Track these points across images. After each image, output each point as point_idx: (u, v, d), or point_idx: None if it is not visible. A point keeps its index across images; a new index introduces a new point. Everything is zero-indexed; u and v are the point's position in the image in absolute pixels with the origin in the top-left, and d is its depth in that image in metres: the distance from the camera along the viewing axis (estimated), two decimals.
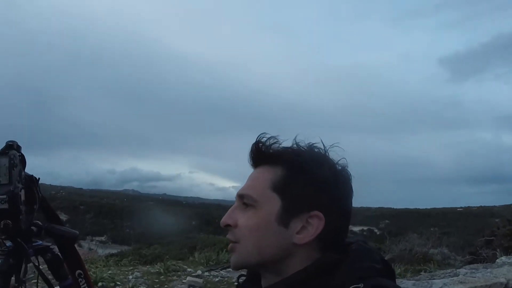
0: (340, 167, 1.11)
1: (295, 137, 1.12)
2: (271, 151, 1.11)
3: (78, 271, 1.80)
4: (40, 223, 1.71)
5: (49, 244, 1.80)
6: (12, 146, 1.53)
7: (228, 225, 1.10)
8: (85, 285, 1.81)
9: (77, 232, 1.80)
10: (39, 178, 1.69)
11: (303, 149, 1.11)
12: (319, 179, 1.06)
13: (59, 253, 1.79)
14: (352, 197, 1.12)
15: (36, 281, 1.84)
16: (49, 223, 1.75)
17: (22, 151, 1.59)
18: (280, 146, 1.11)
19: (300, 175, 1.06)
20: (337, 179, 1.08)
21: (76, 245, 1.89)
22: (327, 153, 1.11)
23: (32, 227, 1.67)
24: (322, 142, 1.12)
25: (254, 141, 1.14)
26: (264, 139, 1.12)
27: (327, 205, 1.06)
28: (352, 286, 0.93)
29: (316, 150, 1.11)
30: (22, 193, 1.57)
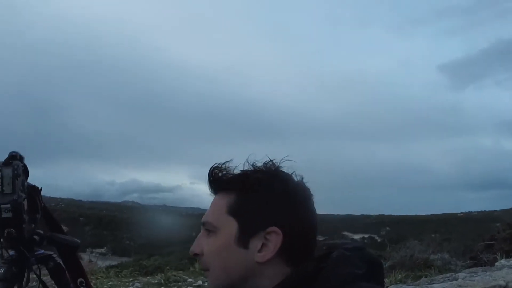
0: (293, 180, 1.14)
1: (247, 158, 1.16)
2: (224, 178, 1.15)
3: (80, 279, 1.83)
4: (42, 232, 1.74)
5: (51, 253, 1.82)
6: (15, 157, 1.57)
7: (196, 254, 1.15)
8: None
9: (79, 241, 1.82)
10: (41, 188, 1.72)
11: (253, 170, 1.14)
12: (269, 196, 1.09)
13: (61, 262, 1.82)
14: (310, 206, 1.14)
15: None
16: (51, 232, 1.78)
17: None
18: (232, 171, 1.16)
19: (251, 196, 1.10)
20: (289, 192, 1.11)
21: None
22: (278, 168, 1.15)
23: (35, 236, 1.70)
24: (270, 159, 1.16)
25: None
26: (217, 168, 1.17)
27: (282, 219, 1.07)
28: None
29: (266, 167, 1.14)
30: (25, 202, 1.60)
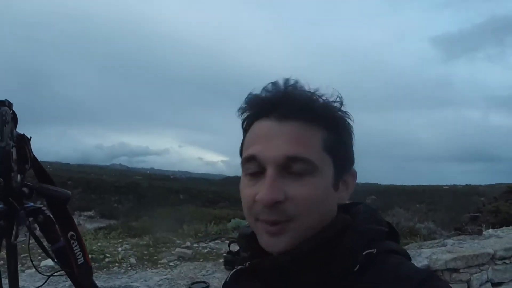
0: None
1: (313, 88, 0.95)
2: (315, 106, 0.93)
3: (70, 233, 1.78)
4: (31, 184, 1.68)
5: (41, 205, 1.77)
6: (4, 103, 1.50)
7: (277, 202, 0.88)
8: (77, 247, 1.80)
9: (70, 192, 1.77)
10: (30, 137, 1.65)
11: (334, 106, 0.96)
12: (350, 136, 0.98)
13: (51, 215, 1.77)
14: None
15: (28, 243, 1.82)
16: (41, 184, 1.72)
17: None
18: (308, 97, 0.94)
19: (340, 133, 0.95)
20: (353, 130, 1.00)
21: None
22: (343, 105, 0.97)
23: (23, 188, 1.64)
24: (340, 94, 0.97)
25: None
26: (292, 84, 0.94)
27: (354, 161, 1.00)
28: (366, 252, 0.87)
29: (337, 103, 0.97)
30: (14, 151, 1.54)
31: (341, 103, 0.96)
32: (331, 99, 0.95)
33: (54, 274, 1.96)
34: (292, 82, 0.94)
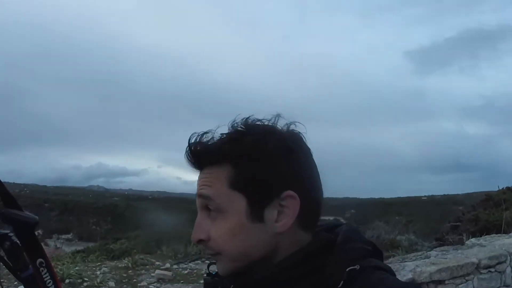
0: (285, 131, 1.00)
1: (233, 121, 1.01)
2: (211, 148, 0.98)
3: (39, 260, 1.67)
4: None
5: (7, 231, 1.67)
6: None
7: (201, 240, 0.99)
8: (47, 274, 1.68)
9: (37, 217, 1.67)
10: None
11: (241, 132, 0.98)
12: (272, 157, 0.95)
13: (18, 241, 1.66)
14: (313, 159, 1.02)
15: None
16: (6, 208, 1.62)
17: None
18: (215, 139, 0.99)
19: (251, 162, 0.95)
20: (291, 148, 0.97)
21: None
22: (271, 123, 1.00)
23: None
24: (246, 116, 1.01)
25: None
26: (198, 139, 1.01)
27: (294, 180, 0.95)
28: (349, 268, 0.88)
29: (251, 125, 0.99)
30: None
31: (249, 126, 0.99)
32: (233, 128, 1.00)
33: None
34: (201, 134, 1.01)
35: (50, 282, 1.69)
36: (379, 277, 0.89)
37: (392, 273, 0.95)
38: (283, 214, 0.95)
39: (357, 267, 0.88)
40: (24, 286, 1.72)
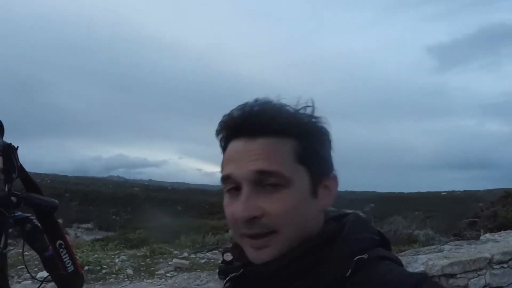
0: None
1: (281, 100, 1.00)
2: (278, 120, 0.96)
3: (59, 242, 1.77)
4: (18, 193, 1.67)
5: (29, 214, 1.76)
6: None
7: (254, 218, 0.92)
8: (66, 255, 1.78)
9: (57, 201, 1.76)
10: (17, 147, 1.64)
11: (302, 114, 0.99)
12: (325, 140, 1.00)
13: (38, 224, 1.75)
14: None
15: (22, 250, 1.82)
16: (28, 193, 1.71)
17: (4, 138, 1.55)
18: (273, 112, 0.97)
19: (314, 138, 0.98)
20: (330, 135, 1.02)
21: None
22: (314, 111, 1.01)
23: (12, 198, 1.63)
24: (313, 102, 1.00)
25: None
26: (258, 105, 0.98)
27: (333, 164, 1.02)
28: (357, 257, 0.89)
29: (306, 110, 1.00)
30: (0, 160, 1.53)
31: (312, 110, 1.00)
32: (300, 108, 0.99)
33: (46, 281, 1.94)
34: (261, 100, 0.99)
35: (69, 262, 1.79)
36: (386, 267, 0.90)
37: (399, 263, 0.97)
38: (326, 193, 0.99)
39: (365, 256, 0.89)
40: (44, 266, 1.82)
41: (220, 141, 1.04)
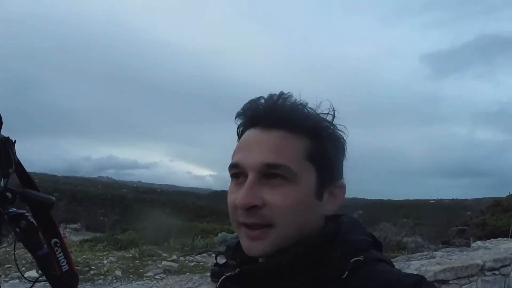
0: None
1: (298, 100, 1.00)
2: (298, 116, 0.97)
3: (54, 240, 1.73)
4: (14, 189, 1.63)
5: (24, 211, 1.72)
6: None
7: (254, 206, 0.92)
8: (61, 254, 1.74)
9: (53, 198, 1.72)
10: (15, 141, 1.60)
11: (320, 116, 1.00)
12: (340, 146, 1.00)
13: (34, 221, 1.71)
14: None
15: (13, 248, 1.78)
16: (24, 188, 1.67)
17: None
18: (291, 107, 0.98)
19: (326, 143, 0.98)
20: (345, 142, 1.02)
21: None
22: (333, 116, 1.01)
23: (7, 193, 1.59)
24: (332, 106, 1.00)
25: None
26: (283, 98, 0.98)
27: (343, 172, 1.02)
28: (354, 259, 0.89)
29: (325, 115, 1.01)
30: None
31: (333, 115, 1.00)
32: (320, 111, 1.00)
33: (39, 280, 1.90)
34: (284, 95, 0.99)
35: (64, 261, 1.75)
36: (382, 268, 0.91)
37: (392, 265, 0.97)
38: (332, 200, 1.00)
39: (361, 258, 0.90)
40: (38, 265, 1.78)
41: (238, 127, 1.05)
